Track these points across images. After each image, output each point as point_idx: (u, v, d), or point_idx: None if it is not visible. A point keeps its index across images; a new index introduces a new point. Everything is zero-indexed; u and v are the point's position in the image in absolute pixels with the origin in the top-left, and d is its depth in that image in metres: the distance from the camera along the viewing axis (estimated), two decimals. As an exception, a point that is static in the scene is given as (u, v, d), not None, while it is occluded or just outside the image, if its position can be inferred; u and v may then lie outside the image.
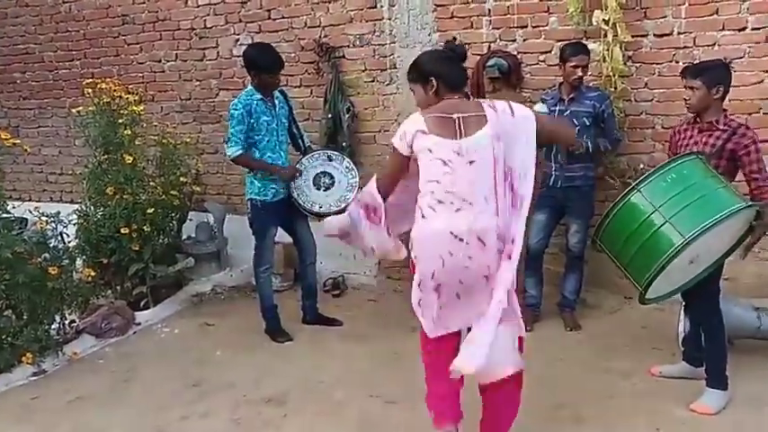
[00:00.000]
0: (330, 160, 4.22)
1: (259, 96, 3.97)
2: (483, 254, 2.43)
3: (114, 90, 4.85)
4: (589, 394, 3.31)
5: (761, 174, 2.96)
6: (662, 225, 2.73)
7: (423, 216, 2.47)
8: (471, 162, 2.41)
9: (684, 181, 2.78)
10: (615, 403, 3.23)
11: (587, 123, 3.94)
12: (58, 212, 4.32)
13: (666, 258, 2.69)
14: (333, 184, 4.15)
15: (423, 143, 2.44)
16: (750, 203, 2.82)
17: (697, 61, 3.59)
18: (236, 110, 3.92)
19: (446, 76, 2.53)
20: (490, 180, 2.42)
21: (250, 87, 4.01)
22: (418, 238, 2.49)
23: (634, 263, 2.87)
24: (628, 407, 3.19)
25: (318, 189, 4.14)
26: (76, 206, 4.90)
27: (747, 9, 3.97)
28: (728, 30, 4.03)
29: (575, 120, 3.91)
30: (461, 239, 2.41)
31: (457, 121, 2.43)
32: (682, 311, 3.47)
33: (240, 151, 3.94)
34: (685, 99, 3.09)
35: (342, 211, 3.33)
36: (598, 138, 4.00)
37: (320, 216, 4.13)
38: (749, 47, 4.01)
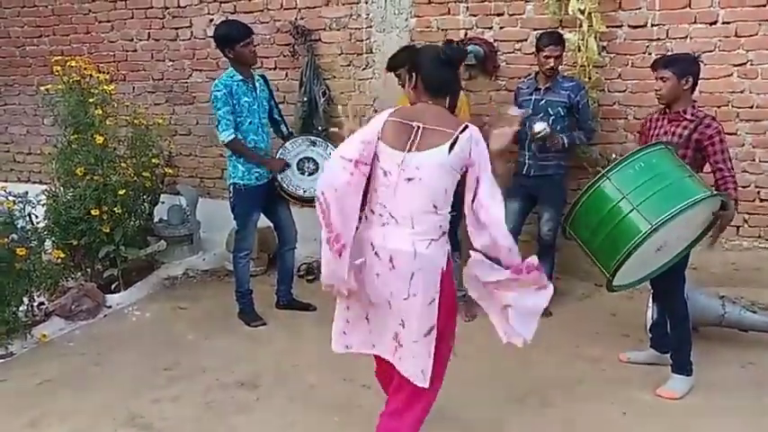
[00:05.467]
0: (314, 145, 4.21)
1: (240, 77, 3.93)
2: (390, 275, 2.27)
3: (84, 68, 4.74)
4: (558, 380, 3.37)
5: (725, 164, 3.02)
6: (629, 212, 2.77)
7: (365, 218, 2.36)
8: (409, 179, 2.23)
9: (652, 169, 2.83)
10: (583, 388, 3.29)
11: (562, 113, 3.97)
12: (26, 193, 4.24)
13: (633, 245, 2.73)
14: (317, 169, 4.15)
15: (377, 149, 2.29)
16: (715, 193, 2.88)
17: (668, 53, 3.66)
18: (218, 90, 3.86)
19: (427, 76, 2.31)
20: (425, 202, 2.25)
21: (230, 69, 3.96)
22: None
23: (602, 249, 2.91)
24: (596, 392, 3.25)
25: (303, 174, 4.13)
26: (45, 187, 4.81)
27: (718, 3, 4.04)
28: (700, 23, 4.09)
29: (549, 109, 3.95)
30: (377, 254, 2.29)
31: (413, 131, 2.25)
32: (650, 299, 3.54)
33: (233, 135, 3.89)
34: (656, 90, 3.15)
35: None
36: (573, 129, 4.03)
37: (304, 201, 4.11)
38: (719, 40, 4.08)
